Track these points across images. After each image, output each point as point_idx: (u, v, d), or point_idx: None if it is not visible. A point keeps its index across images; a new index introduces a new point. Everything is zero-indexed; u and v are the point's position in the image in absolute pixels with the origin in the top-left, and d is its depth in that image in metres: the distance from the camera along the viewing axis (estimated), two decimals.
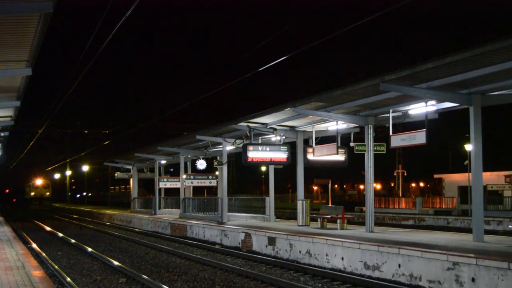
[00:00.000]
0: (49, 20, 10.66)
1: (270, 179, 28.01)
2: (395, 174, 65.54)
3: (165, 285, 13.54)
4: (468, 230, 25.30)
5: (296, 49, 18.27)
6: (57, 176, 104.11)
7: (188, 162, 38.24)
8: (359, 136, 21.76)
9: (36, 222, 46.02)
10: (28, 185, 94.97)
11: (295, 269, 16.31)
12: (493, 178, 45.76)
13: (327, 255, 16.80)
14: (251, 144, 22.87)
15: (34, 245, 23.24)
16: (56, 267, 16.41)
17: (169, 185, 39.77)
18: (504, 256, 12.35)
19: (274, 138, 24.41)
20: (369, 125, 19.76)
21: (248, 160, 22.60)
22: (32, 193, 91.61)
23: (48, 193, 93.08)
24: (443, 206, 45.33)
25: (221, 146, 28.34)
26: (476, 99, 15.84)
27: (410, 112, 18.77)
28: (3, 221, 36.23)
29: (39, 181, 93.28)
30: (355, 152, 20.24)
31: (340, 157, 22.57)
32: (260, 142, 24.25)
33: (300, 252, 18.12)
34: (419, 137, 16.84)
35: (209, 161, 33.73)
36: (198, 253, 21.11)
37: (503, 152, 63.54)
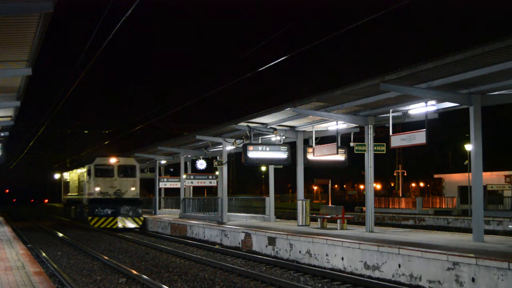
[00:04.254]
0: (49, 20, 10.66)
1: (270, 179, 28.00)
2: (395, 174, 65.58)
3: (165, 285, 13.54)
4: (468, 230, 25.30)
5: (296, 49, 18.29)
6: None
7: (188, 162, 38.24)
8: (359, 136, 21.75)
9: (36, 222, 46.00)
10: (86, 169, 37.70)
11: (295, 269, 16.30)
12: (493, 178, 45.76)
13: (327, 255, 16.80)
14: (251, 144, 22.87)
15: (34, 245, 23.24)
16: (56, 267, 16.41)
17: (169, 185, 39.75)
18: (504, 256, 12.35)
19: (274, 138, 24.40)
20: (369, 125, 19.76)
21: (248, 160, 22.60)
22: (97, 188, 35.98)
23: (133, 188, 36.85)
24: (443, 206, 45.35)
25: (221, 146, 28.34)
26: (476, 99, 15.84)
27: (410, 112, 18.78)
28: (3, 221, 36.22)
29: (112, 160, 36.82)
30: (355, 152, 20.24)
31: (340, 157, 22.56)
32: (260, 142, 24.24)
33: (300, 252, 18.12)
34: (419, 137, 16.83)
35: (209, 161, 33.73)
36: (198, 253, 21.10)
37: (503, 152, 63.53)
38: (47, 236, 30.69)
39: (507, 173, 46.13)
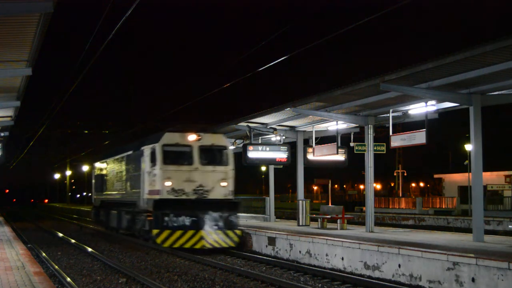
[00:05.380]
0: (49, 20, 10.67)
1: (270, 179, 27.99)
2: (395, 174, 65.61)
3: (165, 285, 13.54)
4: (468, 230, 25.30)
5: (296, 49, 18.31)
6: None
7: None
8: (359, 136, 21.77)
9: (36, 222, 46.03)
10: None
11: (295, 269, 16.29)
12: (493, 178, 45.81)
13: (327, 255, 16.79)
14: (251, 144, 22.87)
15: (34, 245, 23.24)
16: (56, 267, 16.41)
17: None
18: (504, 256, 12.36)
19: (274, 138, 24.41)
20: (369, 125, 19.77)
21: (248, 160, 22.59)
22: (168, 183, 21.31)
23: (224, 184, 21.85)
24: (443, 206, 45.39)
25: None
26: (476, 99, 15.84)
27: (410, 112, 18.79)
28: (3, 221, 36.23)
29: (190, 137, 21.83)
30: (355, 152, 20.25)
31: (340, 157, 22.57)
32: (260, 142, 24.25)
33: (300, 252, 18.12)
34: (419, 137, 16.85)
35: None
36: (198, 253, 21.07)
37: (503, 152, 63.57)
38: (47, 236, 30.69)
39: (507, 173, 46.19)
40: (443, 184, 56.39)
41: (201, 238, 20.62)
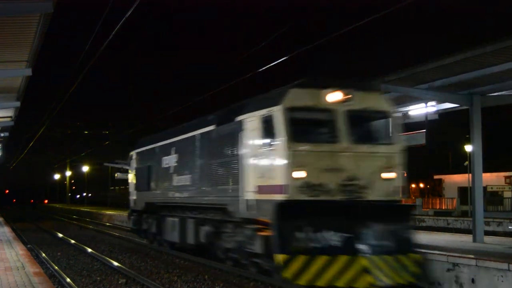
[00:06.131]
0: (49, 20, 10.68)
1: None
2: None
3: (164, 285, 13.53)
4: (468, 231, 25.28)
5: (296, 49, 18.32)
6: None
7: None
8: None
9: (36, 222, 46.04)
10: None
11: None
12: (493, 179, 45.86)
13: None
14: None
15: (33, 246, 23.24)
16: (56, 267, 16.40)
17: None
18: (504, 257, 12.35)
19: None
20: None
21: None
22: (300, 174, 12.36)
23: (390, 175, 13.11)
24: (443, 207, 45.46)
25: None
26: (476, 99, 15.85)
27: (410, 113, 18.78)
28: (3, 222, 36.24)
29: (333, 95, 12.86)
30: None
31: None
32: None
33: None
34: (418, 138, 16.86)
35: None
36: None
37: (503, 153, 63.59)
38: (47, 236, 30.70)
39: (507, 174, 46.27)
40: (443, 185, 56.45)
41: (364, 270, 12.25)
